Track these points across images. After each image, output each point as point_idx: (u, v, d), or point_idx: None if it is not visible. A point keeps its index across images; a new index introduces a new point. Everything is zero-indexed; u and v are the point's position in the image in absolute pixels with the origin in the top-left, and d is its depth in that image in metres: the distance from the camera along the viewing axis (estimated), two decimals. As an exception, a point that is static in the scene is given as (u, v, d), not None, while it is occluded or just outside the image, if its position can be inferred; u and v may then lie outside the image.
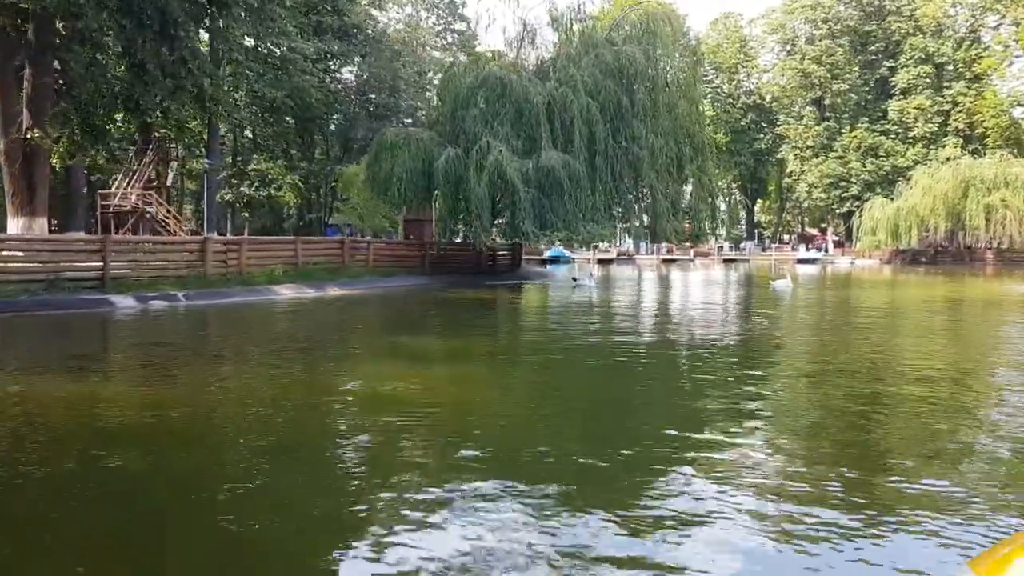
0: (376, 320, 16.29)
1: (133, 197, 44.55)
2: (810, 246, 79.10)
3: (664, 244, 67.24)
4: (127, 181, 45.95)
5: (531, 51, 30.18)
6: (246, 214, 60.65)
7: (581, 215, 25.77)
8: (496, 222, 26.01)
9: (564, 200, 24.75)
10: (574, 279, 27.17)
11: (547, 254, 60.52)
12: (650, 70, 27.73)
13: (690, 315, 17.45)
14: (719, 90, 79.74)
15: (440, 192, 25.38)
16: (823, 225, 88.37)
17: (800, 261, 64.93)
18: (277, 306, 17.96)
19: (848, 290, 27.54)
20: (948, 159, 62.34)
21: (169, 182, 50.31)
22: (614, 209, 27.98)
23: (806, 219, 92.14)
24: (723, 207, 34.55)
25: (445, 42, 67.27)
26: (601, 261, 60.09)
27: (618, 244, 71.69)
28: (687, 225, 32.33)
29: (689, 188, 30.89)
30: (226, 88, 50.70)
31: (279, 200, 56.60)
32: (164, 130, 49.93)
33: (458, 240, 30.21)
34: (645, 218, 31.36)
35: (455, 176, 24.64)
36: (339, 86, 50.57)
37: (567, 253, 60.76)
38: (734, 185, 79.78)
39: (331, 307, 18.15)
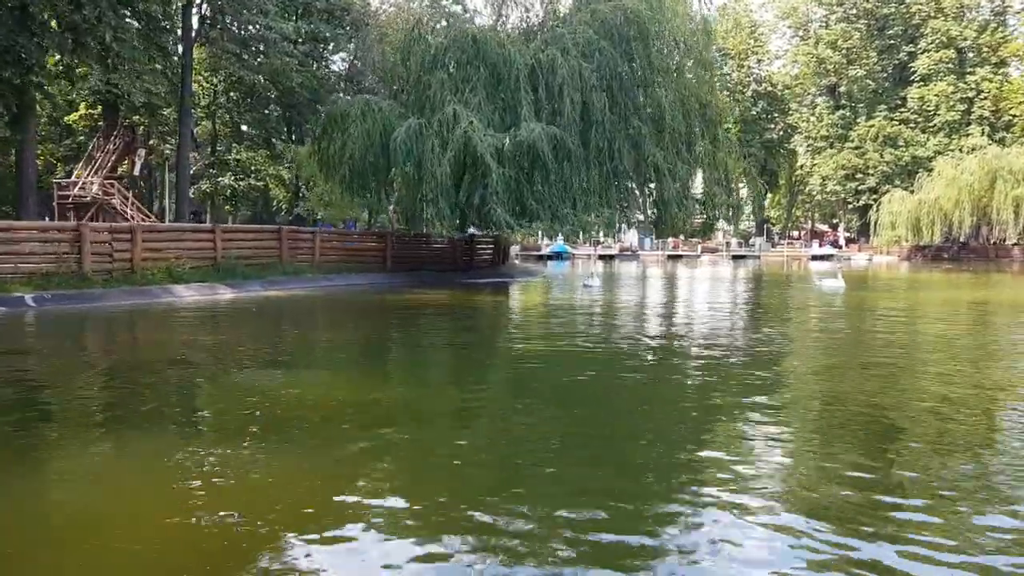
0: (278, 335, 11.85)
1: (95, 187, 41.20)
2: (822, 242, 74.83)
3: (670, 239, 63.05)
4: (88, 169, 42.67)
5: (514, 10, 25.65)
6: (228, 207, 57.26)
7: (570, 201, 21.31)
8: (467, 210, 21.28)
9: (549, 182, 20.26)
10: (587, 282, 22.42)
11: (547, 250, 56.46)
12: (654, 28, 23.09)
13: (742, 338, 11.77)
14: (728, 77, 75.17)
15: (398, 171, 20.80)
16: (834, 221, 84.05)
17: (814, 258, 61.00)
18: (158, 314, 13.56)
19: (897, 292, 23.07)
20: (973, 148, 58.06)
21: (136, 171, 46.87)
22: (611, 194, 23.28)
23: (817, 214, 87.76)
24: (743, 192, 29.76)
25: (440, 26, 63.08)
26: (602, 258, 55.91)
27: (620, 239, 67.46)
28: (699, 217, 27.73)
29: (701, 170, 25.99)
30: (204, 73, 47.23)
31: (269, 193, 53.13)
32: (136, 116, 46.50)
33: (443, 233, 25.43)
34: (649, 207, 26.70)
35: (418, 152, 20.16)
36: (327, 71, 46.53)
37: (569, 249, 56.55)
38: (743, 178, 75.42)
39: (232, 316, 13.77)
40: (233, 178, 50.33)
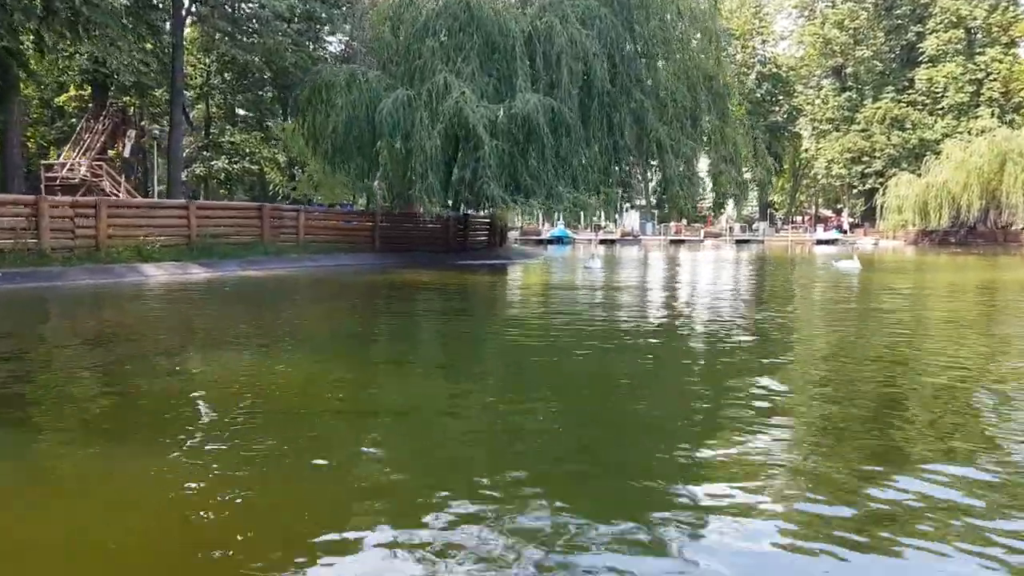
0: (244, 317, 10.74)
1: (83, 168, 40.16)
2: (827, 227, 73.73)
3: (672, 224, 61.94)
4: (77, 151, 41.71)
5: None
6: (223, 191, 56.35)
7: (569, 178, 20.13)
8: (459, 186, 20.08)
9: (545, 157, 19.09)
10: (588, 264, 21.44)
11: (548, 234, 55.34)
12: (657, -2, 21.87)
13: (788, 310, 11.15)
14: (732, 58, 73.72)
15: (385, 145, 19.60)
16: (838, 206, 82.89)
17: (819, 242, 59.91)
18: (118, 293, 12.42)
19: (910, 274, 22.08)
20: (983, 131, 56.76)
21: (127, 153, 45.83)
22: (611, 171, 22.09)
23: (820, 199, 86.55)
24: (748, 176, 28.51)
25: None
26: (604, 242, 54.88)
27: (621, 224, 66.34)
28: (703, 199, 26.57)
29: (707, 147, 24.71)
30: (197, 53, 46.07)
31: (266, 176, 52.18)
32: (126, 96, 45.30)
33: (433, 211, 24.07)
34: (652, 187, 25.48)
35: (406, 125, 18.97)
36: (323, 52, 45.36)
37: (570, 233, 55.38)
38: (752, 156, 74.24)
39: (200, 296, 12.66)
40: (227, 161, 49.38)
